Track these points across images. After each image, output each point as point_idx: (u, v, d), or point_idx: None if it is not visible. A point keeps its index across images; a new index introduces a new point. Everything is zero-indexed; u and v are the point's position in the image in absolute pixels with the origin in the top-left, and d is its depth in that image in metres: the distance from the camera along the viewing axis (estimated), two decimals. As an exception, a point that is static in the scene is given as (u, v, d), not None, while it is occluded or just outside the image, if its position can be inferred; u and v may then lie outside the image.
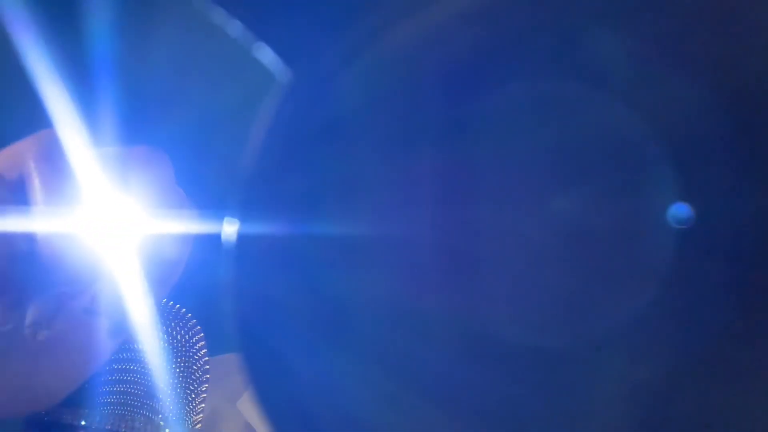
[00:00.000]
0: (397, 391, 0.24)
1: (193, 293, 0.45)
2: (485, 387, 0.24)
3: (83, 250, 0.32)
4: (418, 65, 0.24)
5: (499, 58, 0.24)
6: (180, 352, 0.50)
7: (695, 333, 0.23)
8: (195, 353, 0.51)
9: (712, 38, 0.23)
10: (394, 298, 0.24)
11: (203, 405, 0.51)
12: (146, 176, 0.33)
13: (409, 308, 0.24)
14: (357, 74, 0.24)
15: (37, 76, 0.33)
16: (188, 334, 0.51)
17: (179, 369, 0.50)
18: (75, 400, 0.43)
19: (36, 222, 0.32)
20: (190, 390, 0.50)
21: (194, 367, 0.51)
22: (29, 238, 0.32)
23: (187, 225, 0.34)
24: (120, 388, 0.48)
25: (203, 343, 0.51)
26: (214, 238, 0.25)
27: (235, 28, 0.24)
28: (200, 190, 0.36)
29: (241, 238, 0.24)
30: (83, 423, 0.45)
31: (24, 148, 0.33)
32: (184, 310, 0.51)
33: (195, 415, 0.51)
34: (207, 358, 0.52)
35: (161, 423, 0.48)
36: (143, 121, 0.50)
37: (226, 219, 0.24)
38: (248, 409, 0.56)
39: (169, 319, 0.50)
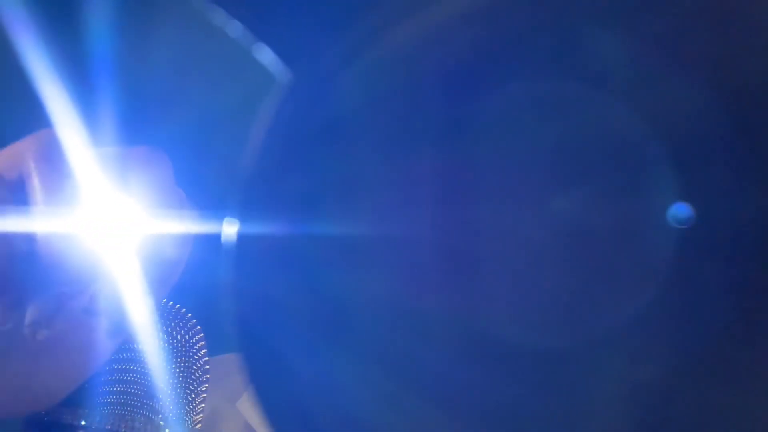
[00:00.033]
0: (397, 391, 0.24)
1: (193, 293, 0.45)
2: (485, 387, 0.24)
3: (83, 250, 0.32)
4: (419, 65, 0.24)
5: (499, 58, 0.24)
6: (180, 352, 0.50)
7: (695, 333, 0.23)
8: (195, 353, 0.51)
9: (712, 38, 0.23)
10: (394, 298, 0.24)
11: (203, 405, 0.51)
12: (146, 176, 0.33)
13: (409, 308, 0.24)
14: (357, 74, 0.24)
15: (37, 76, 0.33)
16: (188, 334, 0.50)
17: (179, 369, 0.50)
18: (75, 400, 0.43)
19: (36, 222, 0.32)
20: (190, 390, 0.50)
21: (194, 367, 0.51)
22: (29, 238, 0.32)
23: (186, 225, 0.34)
24: (120, 388, 0.48)
25: (203, 343, 0.51)
26: (214, 238, 0.25)
27: (235, 28, 0.24)
28: (200, 190, 0.36)
29: (241, 238, 0.24)
30: (83, 423, 0.45)
31: (24, 148, 0.33)
32: (184, 310, 0.51)
33: (195, 415, 0.50)
34: (207, 358, 0.52)
35: (161, 423, 0.48)
36: (143, 121, 0.50)
37: (226, 219, 0.24)
38: (248, 409, 0.56)
39: (169, 319, 0.50)
